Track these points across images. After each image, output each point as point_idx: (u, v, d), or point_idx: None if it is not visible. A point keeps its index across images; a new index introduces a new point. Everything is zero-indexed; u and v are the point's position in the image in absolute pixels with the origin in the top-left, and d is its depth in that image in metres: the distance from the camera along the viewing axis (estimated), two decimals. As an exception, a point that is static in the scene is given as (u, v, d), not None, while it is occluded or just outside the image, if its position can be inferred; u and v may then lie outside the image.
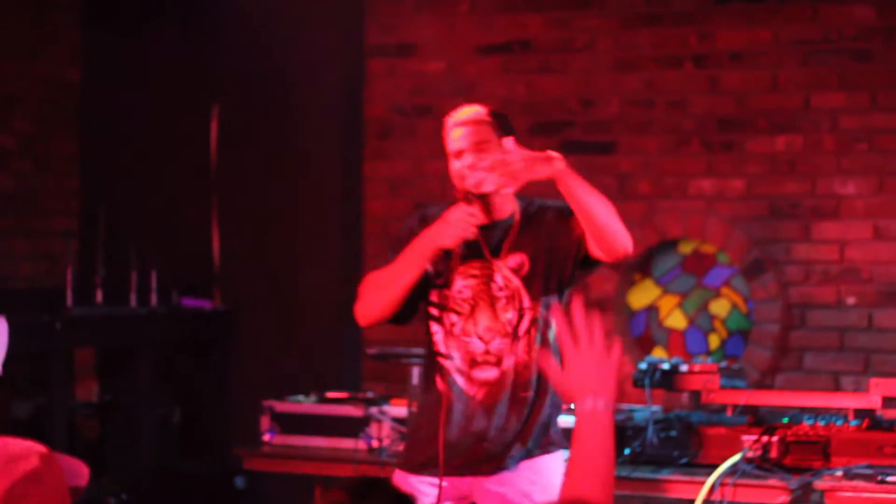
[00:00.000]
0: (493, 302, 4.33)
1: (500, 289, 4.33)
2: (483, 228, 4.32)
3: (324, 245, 7.44)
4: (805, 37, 6.81)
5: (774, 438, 4.92)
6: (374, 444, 5.68)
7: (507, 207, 4.37)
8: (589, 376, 2.62)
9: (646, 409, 5.25)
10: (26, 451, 2.44)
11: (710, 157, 6.96)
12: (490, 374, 4.33)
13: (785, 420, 5.05)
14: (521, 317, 4.32)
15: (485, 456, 4.32)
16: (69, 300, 6.81)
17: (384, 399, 5.95)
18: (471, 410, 4.33)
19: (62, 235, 7.35)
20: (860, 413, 4.94)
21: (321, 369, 7.18)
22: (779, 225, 6.84)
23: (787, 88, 6.85)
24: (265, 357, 7.38)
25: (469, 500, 4.38)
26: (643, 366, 5.28)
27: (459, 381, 4.35)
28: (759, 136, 6.88)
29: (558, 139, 7.05)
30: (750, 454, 4.89)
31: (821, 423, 4.94)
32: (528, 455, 4.33)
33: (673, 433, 5.18)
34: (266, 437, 5.92)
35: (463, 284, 4.35)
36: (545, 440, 4.36)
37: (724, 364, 5.76)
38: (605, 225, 4.19)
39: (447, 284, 4.36)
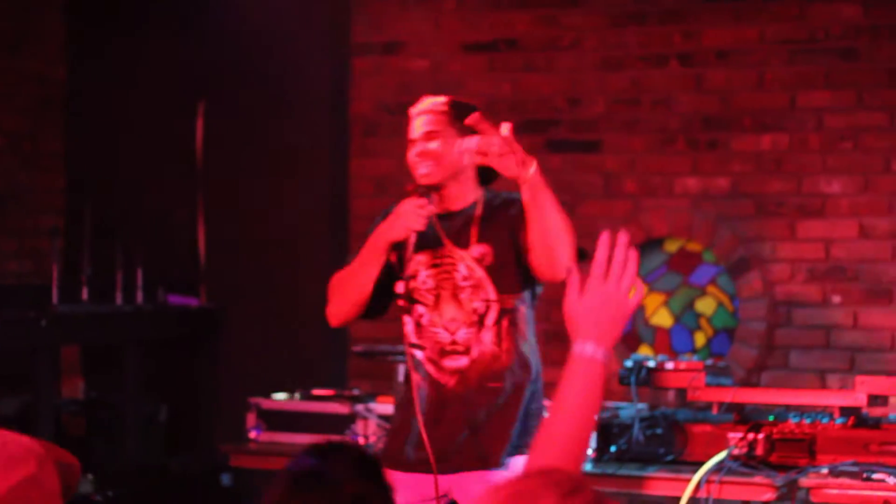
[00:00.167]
0: (456, 291, 4.31)
1: (465, 278, 4.31)
2: (442, 217, 4.32)
3: (310, 243, 7.43)
4: (791, 35, 6.82)
5: (760, 436, 4.92)
6: (361, 441, 5.68)
7: (468, 196, 4.34)
8: (600, 320, 2.49)
9: (631, 407, 5.25)
10: (25, 453, 2.42)
11: (696, 155, 6.97)
12: (460, 362, 4.32)
13: (771, 418, 5.04)
14: (487, 307, 4.30)
15: (474, 454, 4.29)
16: (55, 297, 6.79)
17: (370, 396, 5.96)
18: (443, 398, 4.32)
19: (48, 233, 7.32)
20: (846, 411, 4.94)
21: (307, 367, 7.17)
22: (764, 223, 6.85)
23: (773, 87, 6.86)
24: (251, 354, 7.37)
25: (448, 498, 4.34)
26: (629, 363, 5.28)
27: (431, 370, 4.35)
28: (745, 134, 6.89)
29: (544, 138, 7.05)
30: (736, 452, 4.89)
31: (806, 421, 4.94)
32: (515, 452, 4.30)
33: (659, 431, 5.18)
34: (252, 435, 5.93)
35: (426, 275, 4.34)
36: (529, 439, 4.33)
37: (709, 362, 5.77)
38: (552, 245, 4.11)
39: (413, 276, 4.36)
